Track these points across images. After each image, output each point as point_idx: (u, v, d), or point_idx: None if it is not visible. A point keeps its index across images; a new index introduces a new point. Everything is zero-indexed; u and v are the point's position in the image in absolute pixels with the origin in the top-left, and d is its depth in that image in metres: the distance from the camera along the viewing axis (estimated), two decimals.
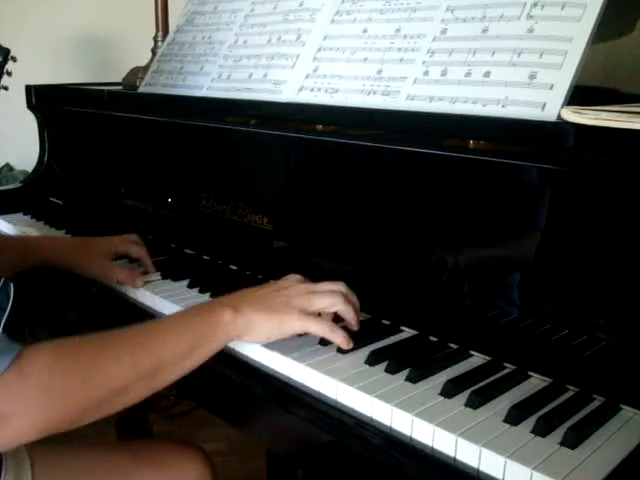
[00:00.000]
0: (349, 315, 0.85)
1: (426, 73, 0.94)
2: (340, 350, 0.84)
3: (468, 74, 0.89)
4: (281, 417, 0.80)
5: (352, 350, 0.85)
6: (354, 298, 0.87)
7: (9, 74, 1.41)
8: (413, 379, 0.77)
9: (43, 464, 0.92)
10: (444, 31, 0.95)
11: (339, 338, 0.82)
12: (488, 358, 0.84)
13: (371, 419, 0.73)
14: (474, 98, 0.87)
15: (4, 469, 0.87)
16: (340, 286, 0.87)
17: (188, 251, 1.28)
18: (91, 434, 0.98)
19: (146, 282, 1.09)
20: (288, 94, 1.11)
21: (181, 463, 0.99)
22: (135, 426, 1.71)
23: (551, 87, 0.81)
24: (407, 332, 0.92)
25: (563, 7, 0.84)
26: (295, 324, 0.82)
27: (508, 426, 0.69)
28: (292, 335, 0.83)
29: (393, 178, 0.94)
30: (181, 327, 0.80)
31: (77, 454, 0.99)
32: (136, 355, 0.74)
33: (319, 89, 1.07)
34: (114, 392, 0.72)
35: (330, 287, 0.86)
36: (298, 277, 0.89)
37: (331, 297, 0.84)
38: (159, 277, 1.12)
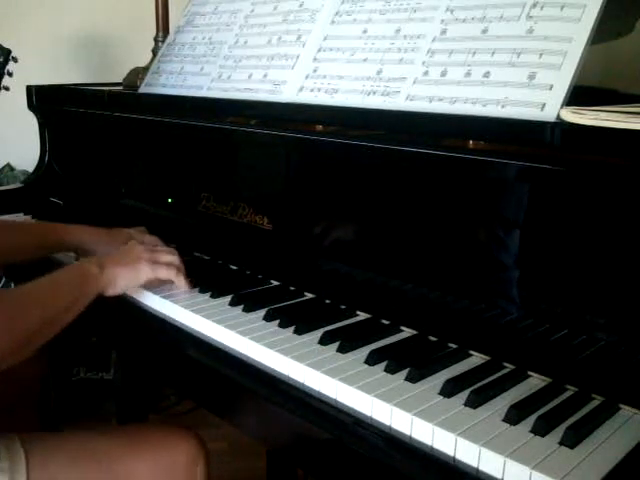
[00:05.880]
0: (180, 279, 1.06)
1: (426, 73, 0.94)
2: (340, 349, 0.85)
3: (468, 74, 0.89)
4: (281, 417, 0.80)
5: (352, 350, 0.85)
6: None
7: (10, 75, 1.42)
8: (412, 379, 0.78)
9: (36, 449, 0.91)
10: (444, 32, 0.95)
11: (183, 281, 1.05)
12: (487, 358, 0.85)
13: (371, 418, 0.73)
14: (474, 98, 0.87)
15: None
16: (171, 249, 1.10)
17: (188, 251, 1.28)
18: None
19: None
20: (288, 94, 1.11)
21: (174, 446, 0.99)
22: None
23: (550, 87, 0.81)
24: (407, 332, 0.93)
25: (562, 8, 0.84)
26: (148, 272, 1.01)
27: (507, 425, 0.69)
28: (147, 282, 1.03)
29: (393, 178, 0.94)
30: (61, 284, 0.96)
31: (70, 439, 0.99)
32: (43, 306, 0.90)
33: (319, 89, 1.07)
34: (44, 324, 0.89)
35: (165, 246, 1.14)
36: (142, 228, 1.21)
37: (172, 254, 1.07)
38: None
